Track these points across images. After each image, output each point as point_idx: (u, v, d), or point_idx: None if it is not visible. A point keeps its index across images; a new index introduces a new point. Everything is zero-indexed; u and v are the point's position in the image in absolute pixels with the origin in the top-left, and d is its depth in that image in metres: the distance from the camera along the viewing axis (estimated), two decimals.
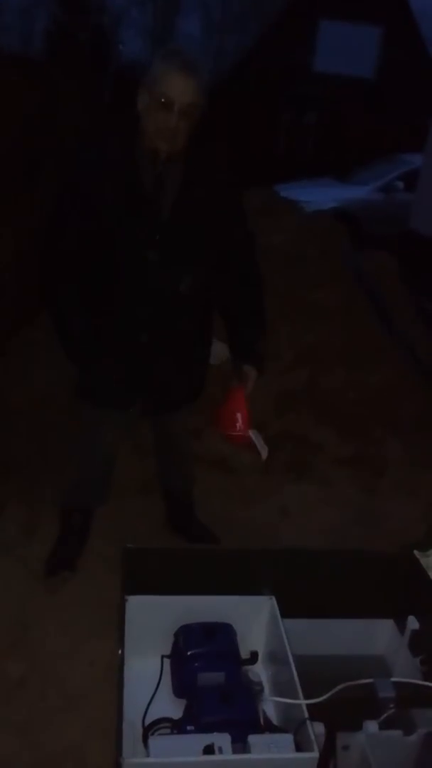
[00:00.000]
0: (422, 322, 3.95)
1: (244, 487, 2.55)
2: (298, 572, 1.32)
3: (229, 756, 0.98)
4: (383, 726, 1.07)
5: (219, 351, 1.91)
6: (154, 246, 1.60)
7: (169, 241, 1.61)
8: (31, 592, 1.93)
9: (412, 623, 1.22)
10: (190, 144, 1.56)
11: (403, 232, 6.04)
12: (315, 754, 0.98)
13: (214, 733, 1.00)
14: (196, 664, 1.14)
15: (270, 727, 1.07)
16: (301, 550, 1.62)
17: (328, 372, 3.23)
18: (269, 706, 1.13)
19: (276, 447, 2.78)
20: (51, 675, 1.69)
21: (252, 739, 1.01)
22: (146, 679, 1.16)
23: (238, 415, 1.69)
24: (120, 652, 1.11)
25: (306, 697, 1.05)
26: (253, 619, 1.22)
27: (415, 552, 1.41)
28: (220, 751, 0.98)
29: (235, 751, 0.99)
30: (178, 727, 1.07)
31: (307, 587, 1.29)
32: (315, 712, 1.03)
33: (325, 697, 1.05)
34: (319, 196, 7.22)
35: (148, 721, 1.08)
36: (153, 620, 1.18)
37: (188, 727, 1.05)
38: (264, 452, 1.75)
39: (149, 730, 1.07)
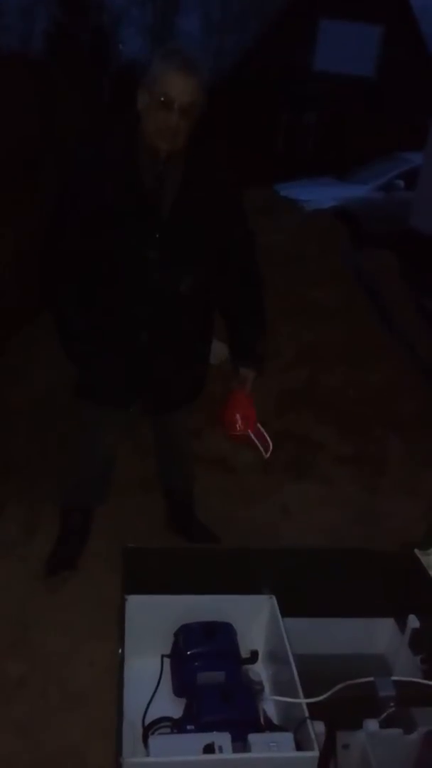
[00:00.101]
0: (422, 320, 3.95)
1: (244, 486, 2.55)
2: (299, 571, 1.32)
3: (229, 755, 0.98)
4: (383, 725, 1.06)
5: (218, 350, 1.91)
6: (154, 245, 1.60)
7: (169, 241, 1.61)
8: (31, 592, 1.93)
9: (413, 622, 1.22)
10: (190, 143, 1.56)
11: (403, 230, 6.04)
12: (315, 753, 0.98)
13: (215, 733, 1.00)
14: (196, 664, 1.13)
15: (270, 726, 1.07)
16: (301, 549, 1.62)
17: (328, 371, 3.23)
18: (269, 705, 1.13)
19: (276, 446, 2.77)
20: (51, 674, 1.70)
21: (252, 738, 1.01)
22: (146, 678, 1.15)
23: (238, 416, 1.72)
24: (120, 651, 1.11)
25: (306, 696, 1.04)
26: (253, 618, 1.22)
27: (416, 551, 1.41)
28: (221, 750, 0.98)
29: (235, 751, 0.99)
30: (178, 726, 1.07)
31: (307, 586, 1.28)
32: (315, 711, 1.03)
33: (325, 696, 1.05)
34: (319, 195, 7.22)
35: (148, 721, 1.08)
36: (153, 620, 1.18)
37: (188, 727, 1.05)
38: (267, 450, 1.77)
39: (149, 729, 1.07)
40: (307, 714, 1.02)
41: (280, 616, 1.18)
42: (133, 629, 1.15)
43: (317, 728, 1.01)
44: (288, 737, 1.01)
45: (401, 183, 7.75)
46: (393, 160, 8.29)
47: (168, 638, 1.19)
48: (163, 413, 1.93)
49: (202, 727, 1.03)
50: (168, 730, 1.07)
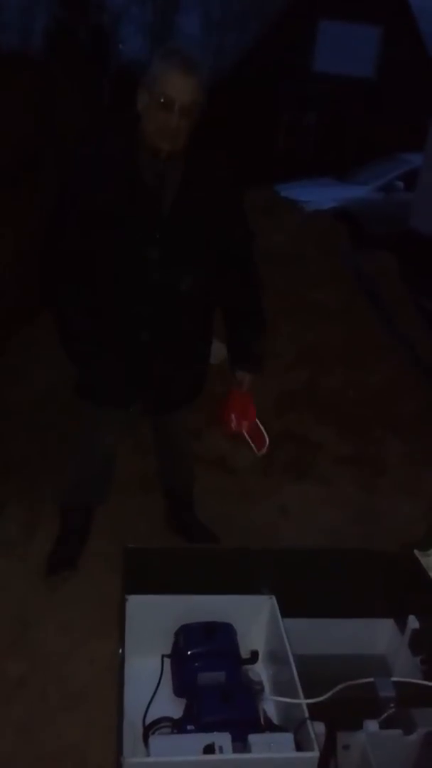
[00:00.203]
0: (422, 321, 3.95)
1: (244, 486, 2.55)
2: (299, 572, 1.32)
3: (229, 755, 0.98)
4: (383, 725, 1.07)
5: (218, 350, 1.92)
6: (155, 244, 1.60)
7: (170, 240, 1.61)
8: (31, 592, 1.93)
9: (413, 623, 1.22)
10: (190, 142, 1.56)
11: (403, 231, 6.04)
12: (315, 754, 0.98)
13: (215, 733, 1.00)
14: (197, 664, 1.14)
15: (270, 727, 1.07)
16: (301, 549, 1.62)
17: (328, 371, 3.23)
18: (269, 706, 1.13)
19: (276, 446, 2.78)
20: (51, 674, 1.70)
21: (252, 738, 1.01)
22: (146, 678, 1.16)
23: (233, 416, 1.78)
24: (120, 651, 1.11)
25: (306, 697, 1.05)
26: (253, 618, 1.22)
27: (416, 551, 1.41)
28: (221, 750, 0.98)
29: (235, 751, 0.99)
30: (178, 726, 1.07)
31: (307, 587, 1.29)
32: (315, 712, 1.03)
33: (325, 696, 1.05)
34: (319, 195, 7.22)
35: (148, 721, 1.08)
36: (153, 620, 1.18)
37: (188, 727, 1.05)
38: (261, 449, 1.81)
39: (150, 729, 1.07)
40: (307, 714, 1.02)
41: (280, 616, 1.18)
42: (133, 629, 1.15)
43: (317, 729, 1.01)
44: (288, 738, 1.01)
45: (401, 184, 7.75)
46: (393, 161, 8.29)
47: (168, 638, 1.19)
48: (164, 413, 1.93)
49: (203, 727, 1.03)
50: (168, 730, 1.07)
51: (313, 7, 12.77)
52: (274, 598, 1.22)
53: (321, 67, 13.07)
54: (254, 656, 1.20)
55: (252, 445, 1.82)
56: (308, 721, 1.01)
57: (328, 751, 1.01)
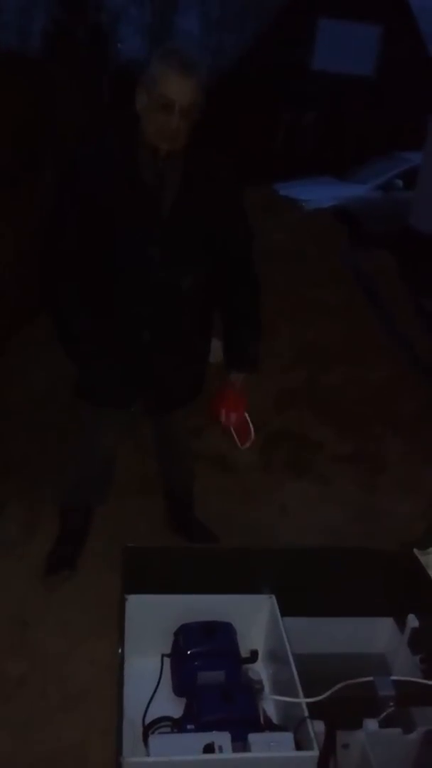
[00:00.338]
0: (421, 319, 3.95)
1: (244, 485, 2.55)
2: (298, 571, 1.32)
3: (229, 755, 0.98)
4: (383, 724, 1.07)
5: (217, 349, 1.92)
6: (155, 243, 1.60)
7: (170, 239, 1.61)
8: (31, 591, 1.93)
9: (412, 621, 1.22)
10: (189, 141, 1.56)
11: (402, 230, 6.03)
12: (315, 753, 0.98)
13: (214, 732, 1.00)
14: (196, 663, 1.14)
15: (270, 726, 1.07)
16: (300, 548, 1.62)
17: (327, 370, 3.24)
18: (269, 705, 1.13)
19: (276, 445, 2.79)
20: (51, 674, 1.70)
21: (252, 737, 1.01)
22: (146, 677, 1.16)
23: (222, 411, 1.82)
24: (120, 651, 1.11)
25: (306, 696, 1.05)
26: (253, 617, 1.22)
27: (415, 550, 1.41)
28: (220, 749, 0.98)
29: (235, 750, 0.99)
30: (178, 725, 1.07)
31: (306, 586, 1.28)
32: (315, 711, 1.03)
33: (325, 695, 1.05)
34: (319, 194, 7.22)
35: (148, 720, 1.08)
36: (153, 619, 1.18)
37: (188, 726, 1.05)
38: (244, 443, 1.86)
39: (149, 728, 1.07)
40: (306, 713, 1.02)
41: (279, 615, 1.18)
42: (133, 628, 1.15)
43: (317, 728, 1.01)
44: (288, 737, 1.01)
45: (400, 182, 7.74)
46: (392, 160, 8.28)
47: (168, 637, 1.19)
48: (164, 413, 1.93)
49: (202, 727, 1.03)
50: (168, 729, 1.07)
51: (312, 5, 12.75)
52: (273, 597, 1.22)
53: (320, 66, 13.06)
54: (254, 655, 1.20)
55: (236, 438, 1.87)
56: (308, 720, 1.01)
57: (328, 750, 1.01)
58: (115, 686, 1.05)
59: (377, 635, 1.30)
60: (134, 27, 15.20)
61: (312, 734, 0.99)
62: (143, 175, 1.57)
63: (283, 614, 1.18)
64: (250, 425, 1.85)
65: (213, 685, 1.12)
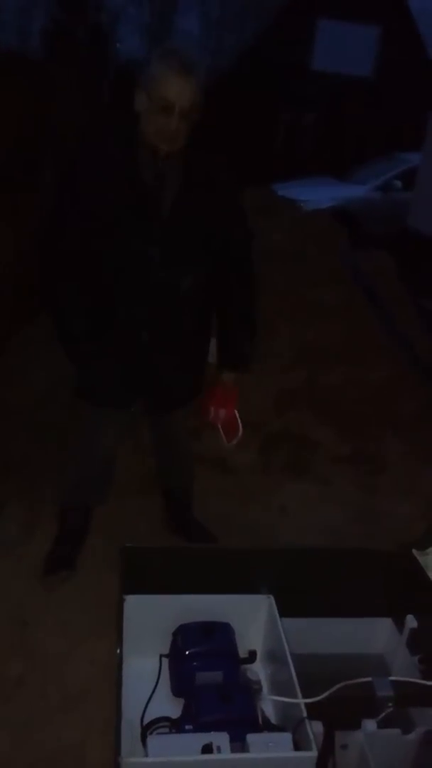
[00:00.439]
0: (420, 319, 3.96)
1: (243, 486, 2.55)
2: (297, 571, 1.32)
3: (227, 755, 0.98)
4: (382, 725, 1.07)
5: (216, 349, 1.92)
6: (155, 244, 1.60)
7: (170, 239, 1.61)
8: (30, 591, 1.93)
9: (411, 622, 1.22)
10: (188, 141, 1.56)
11: (401, 230, 6.04)
12: (313, 753, 0.98)
13: (213, 732, 1.00)
14: (195, 663, 1.14)
15: (268, 726, 1.07)
16: (299, 548, 1.62)
17: (327, 370, 3.24)
18: (268, 705, 1.13)
19: (275, 445, 2.79)
20: (50, 674, 1.70)
21: (250, 738, 1.01)
22: (145, 678, 1.16)
23: (211, 408, 1.85)
24: (118, 651, 1.11)
25: (304, 696, 1.05)
26: (251, 618, 1.22)
27: (414, 550, 1.41)
28: (219, 750, 0.98)
29: (233, 750, 0.99)
30: (176, 726, 1.07)
31: (305, 586, 1.28)
32: (313, 711, 1.03)
33: (323, 695, 1.05)
34: (318, 194, 7.22)
35: (146, 720, 1.08)
36: (151, 619, 1.18)
37: (187, 726, 1.05)
38: (232, 439, 1.89)
39: (148, 729, 1.07)
40: (305, 714, 1.02)
41: (278, 615, 1.18)
42: (131, 629, 1.15)
43: (315, 728, 1.02)
44: (286, 737, 1.02)
45: (399, 183, 7.75)
46: (391, 161, 8.29)
47: (166, 638, 1.19)
48: (163, 413, 1.93)
49: (201, 727, 1.03)
50: (166, 729, 1.07)
51: (311, 6, 12.76)
52: (272, 597, 1.22)
53: (320, 67, 13.06)
54: (252, 656, 1.20)
55: (223, 436, 1.89)
56: (306, 721, 1.01)
57: (327, 750, 1.01)
58: (114, 686, 1.05)
59: (376, 636, 1.30)
60: (133, 27, 15.20)
61: (310, 735, 0.99)
62: (143, 176, 1.57)
63: (281, 614, 1.18)
64: (239, 423, 1.87)
65: (211, 685, 1.12)
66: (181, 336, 1.74)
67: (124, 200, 1.58)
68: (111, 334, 1.70)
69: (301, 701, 1.04)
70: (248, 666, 1.18)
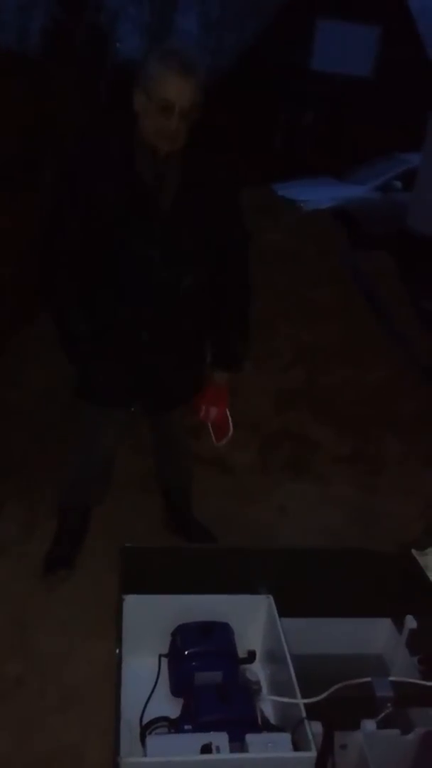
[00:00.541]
0: (420, 320, 3.96)
1: (242, 486, 2.55)
2: (296, 571, 1.32)
3: (226, 755, 0.98)
4: (381, 725, 1.07)
5: (209, 348, 1.93)
6: (155, 244, 1.60)
7: (170, 239, 1.61)
8: (29, 591, 1.93)
9: (410, 622, 1.22)
10: (188, 141, 1.56)
11: (401, 231, 6.04)
12: (313, 754, 0.98)
13: (212, 732, 1.00)
14: (194, 663, 1.13)
15: (267, 727, 1.07)
16: (299, 549, 1.62)
17: (326, 371, 3.24)
18: (267, 705, 1.13)
19: (274, 445, 2.79)
20: (49, 674, 1.70)
21: (249, 738, 1.01)
22: (144, 678, 1.16)
23: (203, 407, 1.87)
24: (117, 651, 1.11)
25: (304, 696, 1.05)
26: (250, 618, 1.22)
27: (413, 551, 1.41)
28: (218, 750, 0.98)
29: (232, 751, 0.99)
30: (175, 726, 1.07)
31: (305, 586, 1.29)
32: (313, 711, 1.03)
33: (322, 696, 1.05)
34: (317, 195, 7.22)
35: (145, 720, 1.08)
36: (150, 619, 1.18)
37: (186, 726, 1.05)
38: (222, 439, 1.90)
39: (147, 729, 1.07)
40: (304, 714, 1.02)
41: (277, 615, 1.18)
42: (130, 629, 1.15)
43: (314, 728, 1.01)
44: (285, 737, 1.01)
45: (399, 184, 7.75)
46: (391, 161, 8.29)
47: (165, 638, 1.19)
48: (163, 412, 1.93)
49: (200, 727, 1.03)
50: (165, 729, 1.07)
51: (311, 6, 12.76)
52: (271, 597, 1.22)
53: (319, 67, 13.06)
54: (251, 656, 1.20)
55: (212, 435, 1.91)
56: (305, 721, 1.01)
57: (326, 750, 1.01)
58: (113, 686, 1.05)
59: (375, 636, 1.30)
60: (133, 26, 15.19)
61: (310, 735, 0.99)
62: (142, 175, 1.57)
63: (280, 615, 1.18)
64: (230, 423, 1.88)
65: (210, 685, 1.11)
66: (181, 335, 1.74)
67: (123, 200, 1.58)
68: (111, 334, 1.70)
69: (301, 701, 1.04)
70: (247, 666, 1.18)
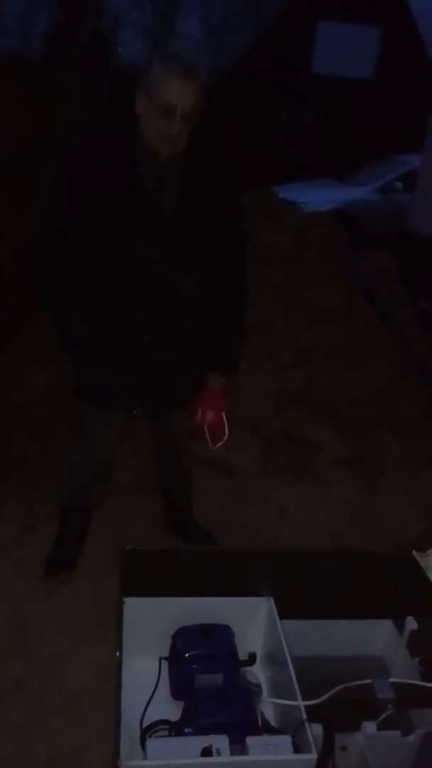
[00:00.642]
0: (420, 321, 3.96)
1: (242, 487, 2.55)
2: (297, 573, 1.32)
3: (227, 758, 0.98)
4: (381, 727, 1.07)
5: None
6: (156, 245, 1.60)
7: (171, 241, 1.61)
8: (29, 593, 1.92)
9: (411, 624, 1.22)
10: (189, 144, 1.56)
11: (402, 232, 6.04)
12: (313, 756, 0.98)
13: (212, 735, 1.00)
14: (194, 666, 1.13)
15: (268, 729, 1.07)
16: (299, 550, 1.61)
17: (326, 372, 3.23)
18: (267, 708, 1.13)
19: (275, 447, 2.79)
20: (49, 676, 1.69)
21: (250, 740, 1.01)
22: (144, 680, 1.16)
23: (199, 409, 1.88)
24: (118, 653, 1.11)
25: (304, 699, 1.05)
26: (251, 620, 1.22)
27: (414, 552, 1.41)
28: (218, 753, 0.98)
29: (233, 753, 0.99)
30: (175, 729, 1.07)
31: (305, 588, 1.28)
32: (313, 714, 1.03)
33: (323, 698, 1.05)
34: (318, 196, 7.22)
35: (146, 723, 1.08)
36: (151, 622, 1.18)
37: (186, 729, 1.05)
38: (217, 442, 1.91)
39: (147, 732, 1.07)
40: (305, 716, 1.02)
41: (278, 618, 1.18)
42: (130, 631, 1.15)
43: (315, 730, 1.01)
44: (286, 740, 1.01)
45: (399, 185, 7.75)
46: (391, 162, 8.29)
47: (166, 640, 1.19)
48: (164, 414, 1.93)
49: (200, 730, 1.03)
50: (166, 732, 1.07)
51: (312, 8, 12.78)
52: (272, 599, 1.22)
53: (320, 69, 13.08)
54: (252, 658, 1.20)
55: (208, 437, 1.91)
56: (306, 723, 1.01)
57: (326, 752, 1.01)
58: (113, 689, 1.05)
59: (376, 637, 1.30)
60: (135, 30, 15.22)
61: (310, 737, 0.99)
62: (144, 178, 1.57)
63: (281, 617, 1.18)
64: (226, 427, 1.88)
65: (211, 688, 1.11)
66: (181, 336, 1.74)
67: (125, 202, 1.58)
68: (111, 335, 1.70)
69: (301, 703, 1.04)
70: (248, 668, 1.18)
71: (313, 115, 13.05)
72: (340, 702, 1.06)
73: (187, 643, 1.15)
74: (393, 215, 6.74)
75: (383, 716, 1.07)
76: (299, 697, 1.04)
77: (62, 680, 1.68)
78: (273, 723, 1.10)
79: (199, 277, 1.67)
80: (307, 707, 1.03)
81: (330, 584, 1.30)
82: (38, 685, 1.67)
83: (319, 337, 3.41)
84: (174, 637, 1.18)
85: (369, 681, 1.10)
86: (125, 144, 1.58)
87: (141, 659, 1.16)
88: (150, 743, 1.02)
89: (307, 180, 8.28)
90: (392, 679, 1.13)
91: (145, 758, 1.00)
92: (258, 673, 1.19)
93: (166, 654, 1.19)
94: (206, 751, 0.98)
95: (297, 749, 1.00)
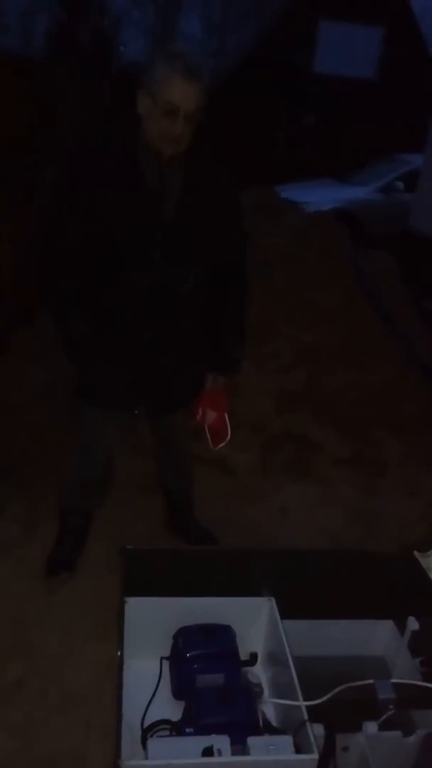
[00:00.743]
0: (422, 321, 3.95)
1: (243, 487, 2.55)
2: (298, 573, 1.32)
3: (228, 758, 0.98)
4: (383, 727, 1.07)
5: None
6: (157, 245, 1.60)
7: (172, 241, 1.61)
8: (30, 593, 1.92)
9: (412, 624, 1.22)
10: (190, 144, 1.56)
11: (403, 232, 6.03)
12: (314, 756, 0.98)
13: (213, 735, 1.00)
14: (195, 666, 1.13)
15: (269, 729, 1.07)
16: (300, 551, 1.61)
17: (328, 372, 3.23)
18: (269, 708, 1.13)
19: (276, 447, 2.79)
20: (50, 676, 1.69)
21: (251, 740, 1.01)
22: (145, 680, 1.15)
23: (200, 409, 1.87)
24: (119, 653, 1.11)
25: (305, 699, 1.04)
26: (252, 620, 1.22)
27: (415, 552, 1.41)
28: (219, 753, 0.98)
29: (234, 753, 0.99)
30: (177, 729, 1.07)
31: (306, 588, 1.28)
32: (314, 714, 1.03)
33: (324, 698, 1.05)
34: (320, 196, 7.22)
35: (147, 723, 1.08)
36: (152, 622, 1.18)
37: (187, 729, 1.05)
38: (219, 443, 1.90)
39: (148, 732, 1.07)
40: (306, 716, 1.02)
41: (279, 618, 1.18)
42: (132, 631, 1.15)
43: (316, 731, 1.01)
44: (287, 740, 1.01)
45: (401, 185, 7.75)
46: (393, 162, 8.29)
47: (167, 640, 1.19)
48: (165, 414, 1.93)
49: (201, 730, 1.03)
50: (167, 732, 1.07)
51: (313, 8, 12.78)
52: (273, 599, 1.21)
53: (322, 68, 13.07)
54: (253, 658, 1.20)
55: (209, 438, 1.90)
56: (307, 723, 1.01)
57: (328, 753, 1.01)
58: (114, 689, 1.05)
59: (377, 638, 1.30)
60: (136, 29, 15.23)
61: (311, 737, 0.99)
62: (145, 178, 1.57)
63: (282, 617, 1.18)
64: (228, 428, 1.87)
65: (212, 688, 1.11)
66: (181, 337, 1.74)
67: (126, 203, 1.58)
68: (111, 335, 1.70)
69: (302, 704, 1.04)
70: (249, 668, 1.18)
71: (315, 114, 13.04)
72: (341, 702, 1.06)
73: (188, 643, 1.15)
74: (395, 215, 6.73)
75: (384, 717, 1.07)
76: (300, 697, 1.04)
77: (63, 680, 1.68)
78: (274, 723, 1.10)
79: (199, 277, 1.67)
80: (308, 707, 1.03)
81: (331, 584, 1.30)
82: (39, 685, 1.67)
83: (319, 337, 3.40)
84: (175, 637, 1.18)
85: (370, 681, 1.10)
86: (127, 144, 1.58)
87: (142, 659, 1.16)
88: (151, 743, 1.02)
89: (309, 180, 8.28)
90: (393, 680, 1.12)
91: (146, 758, 1.00)
92: (259, 673, 1.19)
93: (167, 654, 1.19)
94: (207, 751, 0.98)
95: (298, 749, 1.00)
